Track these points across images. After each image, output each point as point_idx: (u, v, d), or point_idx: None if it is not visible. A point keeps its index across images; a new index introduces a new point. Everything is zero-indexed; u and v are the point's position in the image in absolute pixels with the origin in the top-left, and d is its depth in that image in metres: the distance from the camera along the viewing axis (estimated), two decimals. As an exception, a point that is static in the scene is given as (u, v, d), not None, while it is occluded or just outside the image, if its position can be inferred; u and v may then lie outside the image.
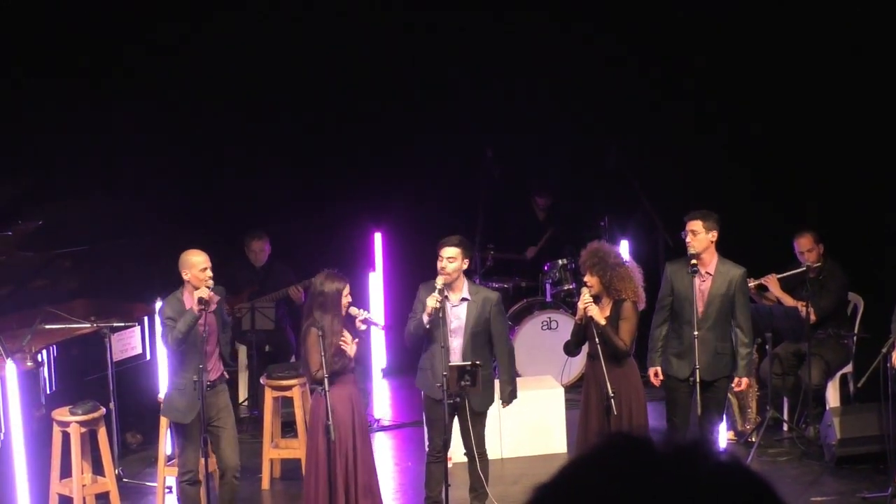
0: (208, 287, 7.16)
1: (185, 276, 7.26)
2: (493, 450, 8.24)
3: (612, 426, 7.16)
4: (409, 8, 11.36)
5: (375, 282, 11.03)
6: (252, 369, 9.92)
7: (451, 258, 7.28)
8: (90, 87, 10.27)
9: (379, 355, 11.12)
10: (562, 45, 11.20)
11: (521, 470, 8.68)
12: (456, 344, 7.39)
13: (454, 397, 7.17)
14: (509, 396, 7.57)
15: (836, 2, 10.81)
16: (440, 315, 7.22)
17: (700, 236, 7.61)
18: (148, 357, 9.04)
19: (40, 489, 7.82)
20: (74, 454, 7.73)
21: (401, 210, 11.35)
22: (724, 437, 8.58)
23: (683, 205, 8.05)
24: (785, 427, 9.21)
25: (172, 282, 7.51)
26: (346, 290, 7.16)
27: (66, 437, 7.77)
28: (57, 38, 10.31)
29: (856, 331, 9.29)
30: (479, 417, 7.49)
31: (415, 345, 7.58)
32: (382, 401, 10.71)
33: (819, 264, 9.11)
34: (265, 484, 8.59)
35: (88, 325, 8.62)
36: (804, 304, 8.83)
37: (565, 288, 10.78)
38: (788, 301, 9.07)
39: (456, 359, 7.32)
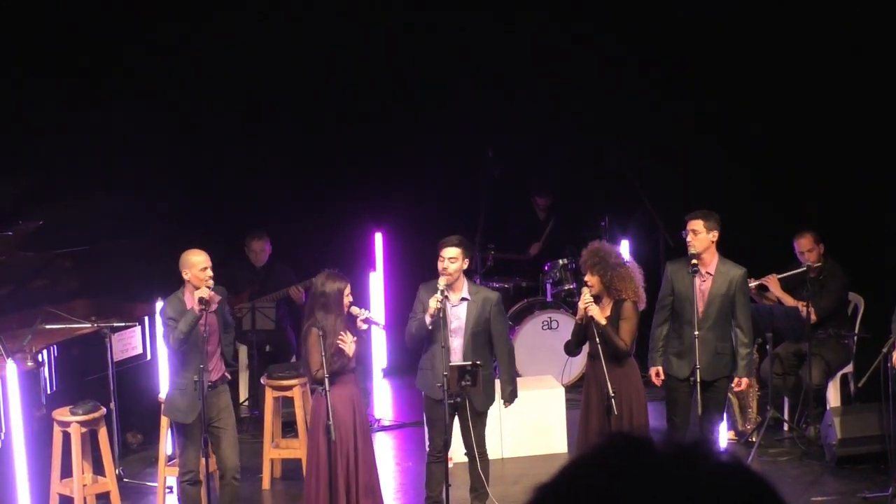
0: (208, 287, 7.16)
1: (186, 275, 7.26)
2: (494, 450, 8.25)
3: (612, 426, 7.15)
4: (409, 8, 11.36)
5: (376, 282, 11.03)
6: (252, 369, 9.91)
7: (453, 258, 7.28)
8: (90, 87, 10.27)
9: (379, 355, 11.13)
10: (562, 45, 11.19)
11: (522, 470, 8.68)
12: (456, 344, 7.39)
13: (455, 397, 7.17)
14: (510, 396, 7.57)
15: (836, 2, 10.81)
16: (441, 315, 7.22)
17: (701, 236, 7.61)
18: (148, 357, 9.04)
19: (41, 489, 7.82)
20: (75, 454, 7.73)
21: (401, 210, 11.35)
22: (724, 436, 8.58)
23: (684, 205, 8.05)
24: (785, 427, 9.21)
25: (173, 282, 7.51)
26: (348, 290, 7.16)
27: (66, 437, 7.77)
28: (57, 38, 10.31)
29: (856, 331, 9.29)
30: (480, 417, 7.49)
31: (415, 345, 7.58)
32: (383, 401, 10.71)
33: (819, 264, 9.11)
34: (266, 484, 8.59)
35: (89, 325, 8.61)
36: (804, 304, 8.83)
37: (566, 288, 10.79)
38: (789, 301, 9.07)
39: (456, 359, 7.32)
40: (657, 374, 7.72)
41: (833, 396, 9.19)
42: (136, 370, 9.10)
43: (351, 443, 7.12)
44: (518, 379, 7.98)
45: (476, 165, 11.06)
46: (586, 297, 7.38)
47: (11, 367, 7.54)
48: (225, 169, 11.19)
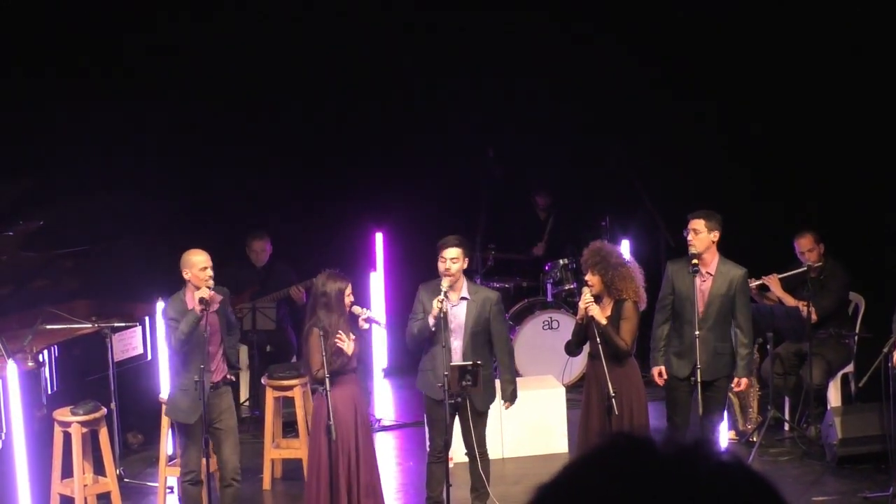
0: (209, 287, 7.15)
1: (186, 275, 7.27)
2: (495, 450, 8.25)
3: (613, 426, 7.15)
4: (409, 8, 11.36)
5: (376, 282, 11.03)
6: (253, 369, 9.91)
7: (454, 259, 7.28)
8: (90, 87, 10.26)
9: (380, 355, 11.13)
10: (562, 45, 11.20)
11: (523, 470, 8.68)
12: (456, 344, 7.39)
13: (455, 397, 7.17)
14: (511, 396, 7.57)
15: (836, 2, 10.81)
16: (441, 316, 7.22)
17: (702, 235, 7.61)
18: (149, 357, 9.04)
19: (41, 489, 7.81)
20: (76, 454, 7.72)
21: (402, 210, 11.35)
22: (725, 436, 8.59)
23: (684, 205, 8.06)
24: (786, 427, 9.21)
25: (173, 282, 7.51)
26: (349, 290, 7.16)
27: (67, 438, 7.76)
28: (57, 37, 10.31)
29: (857, 330, 9.29)
30: (480, 417, 7.49)
31: (416, 346, 7.57)
32: (384, 401, 10.71)
33: (820, 264, 9.12)
34: (266, 484, 8.59)
35: (89, 326, 8.61)
36: (805, 303, 8.83)
37: (566, 288, 10.79)
38: (790, 301, 9.06)
39: (456, 358, 7.32)
40: (659, 374, 7.71)
41: (834, 396, 9.19)
42: (137, 370, 9.10)
43: (352, 443, 7.12)
44: (518, 379, 7.98)
45: (476, 165, 11.06)
46: (587, 296, 7.38)
47: (12, 368, 7.54)
48: (225, 169, 11.18)
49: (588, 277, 7.45)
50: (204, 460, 7.29)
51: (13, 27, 10.18)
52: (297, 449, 8.59)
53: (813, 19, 10.75)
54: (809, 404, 9.02)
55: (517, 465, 8.83)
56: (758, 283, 8.95)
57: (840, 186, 10.81)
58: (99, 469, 8.02)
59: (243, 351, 10.20)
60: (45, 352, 8.12)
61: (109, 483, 7.99)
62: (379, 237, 11.31)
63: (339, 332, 7.05)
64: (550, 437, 9.06)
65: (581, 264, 7.75)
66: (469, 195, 11.08)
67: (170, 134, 10.75)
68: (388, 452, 9.30)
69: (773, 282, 9.12)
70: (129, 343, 8.83)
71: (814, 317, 8.82)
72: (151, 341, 9.00)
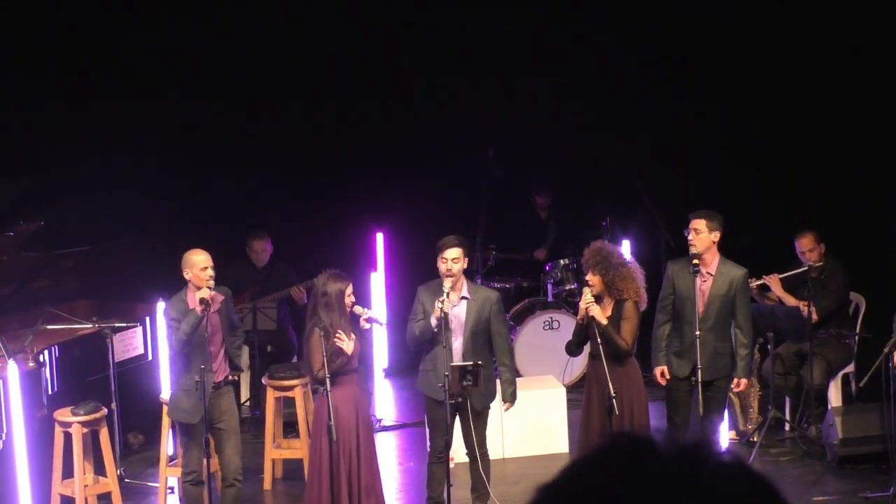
0: (209, 287, 7.15)
1: (187, 275, 7.27)
2: (495, 450, 8.26)
3: (613, 426, 7.15)
4: (409, 8, 11.36)
5: (377, 282, 11.03)
6: (254, 369, 9.91)
7: (456, 259, 7.28)
8: (90, 87, 10.26)
9: (381, 356, 11.12)
10: (562, 45, 11.20)
11: (523, 470, 8.68)
12: (456, 343, 7.40)
13: (456, 398, 7.17)
14: (511, 397, 7.57)
15: (836, 2, 10.82)
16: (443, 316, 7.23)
17: (702, 235, 7.61)
18: (150, 357, 9.04)
19: (42, 490, 7.81)
20: (76, 455, 7.72)
21: (402, 210, 11.35)
22: (725, 436, 8.59)
23: (685, 205, 8.06)
24: (787, 427, 9.21)
25: (174, 282, 7.51)
26: (349, 290, 7.16)
27: (67, 438, 7.76)
28: (57, 37, 10.31)
29: (857, 330, 9.29)
30: (481, 417, 7.50)
31: (418, 347, 7.57)
32: (384, 401, 10.70)
33: (820, 264, 9.11)
34: (267, 484, 8.59)
35: (90, 326, 8.61)
36: (806, 303, 8.83)
37: (567, 288, 10.79)
38: (790, 301, 9.06)
39: (457, 358, 7.32)
40: (662, 374, 7.71)
41: (834, 396, 9.19)
42: (138, 370, 9.10)
43: (353, 443, 7.12)
44: (519, 379, 7.98)
45: (477, 165, 11.07)
46: (587, 296, 7.38)
47: (13, 368, 7.54)
48: (225, 169, 11.18)
49: (589, 277, 7.45)
50: (205, 460, 7.29)
51: (13, 27, 10.17)
52: (298, 449, 8.59)
53: (813, 19, 10.75)
54: (810, 404, 9.02)
55: (518, 465, 8.83)
56: (758, 282, 8.95)
57: (840, 186, 10.81)
58: (99, 469, 8.02)
59: (244, 351, 10.20)
60: (46, 352, 8.12)
61: (110, 483, 7.99)
62: (380, 237, 11.31)
63: (339, 331, 7.05)
64: (551, 438, 9.07)
65: (582, 264, 7.74)
66: (469, 195, 11.08)
67: (170, 134, 10.75)
68: (388, 453, 9.30)
69: (773, 282, 9.12)
70: (129, 343, 8.83)
71: (814, 317, 8.82)
72: (152, 341, 9.00)
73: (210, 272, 7.21)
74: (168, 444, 8.23)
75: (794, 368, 9.22)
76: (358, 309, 7.21)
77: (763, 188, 11.10)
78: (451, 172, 11.41)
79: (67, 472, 7.83)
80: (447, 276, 7.26)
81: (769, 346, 9.03)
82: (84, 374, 8.53)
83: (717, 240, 7.64)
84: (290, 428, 9.04)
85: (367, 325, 7.31)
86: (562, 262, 10.82)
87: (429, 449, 7.67)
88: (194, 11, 10.79)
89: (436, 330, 7.23)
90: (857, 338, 9.23)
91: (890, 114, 10.49)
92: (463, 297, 7.40)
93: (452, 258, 7.27)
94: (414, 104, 11.51)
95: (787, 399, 9.34)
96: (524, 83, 11.43)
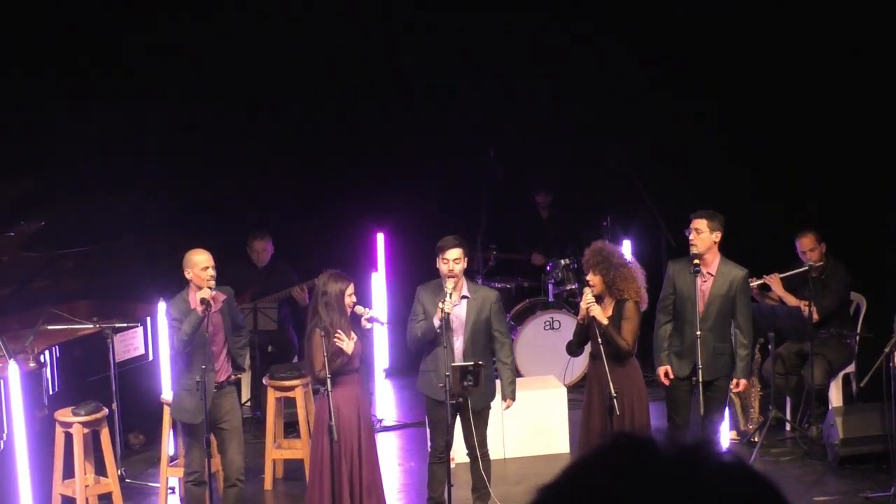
0: (210, 287, 7.15)
1: (188, 275, 7.27)
2: (496, 450, 8.25)
3: (614, 426, 7.15)
4: (409, 8, 11.36)
5: (378, 282, 11.03)
6: (255, 370, 9.90)
7: (457, 259, 7.29)
8: (90, 87, 10.26)
9: (381, 356, 11.12)
10: (562, 45, 11.20)
11: (524, 470, 8.68)
12: (457, 343, 7.41)
13: (457, 398, 7.17)
14: (512, 393, 7.57)
15: (836, 2, 10.82)
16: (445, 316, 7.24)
17: (703, 235, 7.61)
18: (150, 357, 9.04)
19: (43, 490, 7.81)
20: (77, 455, 7.72)
21: (403, 210, 11.35)
22: (726, 436, 8.59)
23: (685, 205, 8.06)
24: (788, 427, 9.21)
25: (175, 282, 7.51)
26: (350, 290, 7.16)
27: (68, 438, 7.76)
28: (57, 37, 10.30)
29: (858, 330, 9.29)
30: (482, 417, 7.50)
31: (418, 348, 7.57)
32: (385, 401, 10.70)
33: (821, 264, 9.11)
34: (268, 484, 8.59)
35: (91, 326, 8.61)
36: (806, 303, 8.83)
37: (568, 288, 10.79)
38: (791, 300, 9.06)
39: (458, 358, 7.32)
40: (665, 374, 7.71)
41: (835, 396, 9.19)
42: (138, 371, 9.09)
43: (355, 443, 7.12)
44: (520, 379, 7.98)
45: (477, 165, 11.07)
46: (588, 296, 7.38)
47: (13, 368, 7.53)
48: (226, 169, 11.18)
49: (589, 277, 7.45)
50: (206, 460, 7.28)
51: (13, 27, 10.17)
52: (299, 449, 8.59)
53: (813, 19, 10.75)
54: (811, 404, 9.02)
55: (518, 465, 8.83)
56: (759, 282, 8.95)
57: (840, 186, 10.81)
58: (100, 469, 8.02)
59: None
60: (47, 352, 8.12)
61: (111, 483, 7.99)
62: (381, 237, 11.30)
63: (339, 331, 7.04)
64: (552, 438, 9.06)
65: (582, 264, 7.74)
66: (470, 195, 11.08)
67: (170, 134, 10.75)
68: (389, 453, 9.30)
69: (774, 281, 9.11)
70: (130, 343, 8.83)
71: (815, 316, 8.82)
72: (153, 341, 9.00)
73: (211, 272, 7.21)
74: (169, 444, 8.23)
75: (794, 368, 9.22)
76: (359, 309, 7.20)
77: (763, 188, 11.11)
78: (452, 172, 11.41)
79: (68, 473, 7.83)
80: (449, 277, 7.26)
81: (770, 346, 9.03)
82: (85, 375, 8.53)
83: (718, 240, 7.64)
84: (290, 428, 9.03)
85: (369, 325, 7.31)
86: (562, 262, 10.81)
87: (429, 449, 7.67)
88: (194, 11, 10.78)
89: (438, 331, 7.23)
90: (857, 338, 9.23)
91: (890, 114, 10.49)
92: (463, 297, 7.41)
93: (454, 259, 7.27)
94: (414, 104, 11.50)
95: (788, 399, 9.34)
96: (524, 83, 11.43)
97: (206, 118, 10.84)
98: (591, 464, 1.35)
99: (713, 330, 7.64)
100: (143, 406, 9.26)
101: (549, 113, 11.29)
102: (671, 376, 7.70)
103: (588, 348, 7.65)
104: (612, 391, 7.12)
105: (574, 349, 7.80)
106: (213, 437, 7.40)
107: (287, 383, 8.62)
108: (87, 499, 7.81)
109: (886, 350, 7.74)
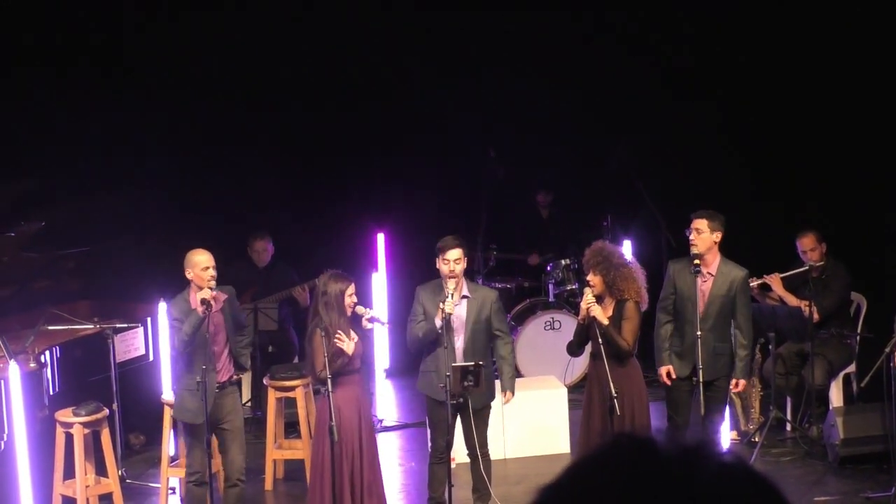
0: (210, 287, 7.15)
1: (189, 275, 7.26)
2: (497, 450, 8.25)
3: (614, 426, 7.14)
4: (409, 8, 11.36)
5: (378, 282, 11.03)
6: (255, 370, 9.89)
7: (458, 259, 7.29)
8: (92, 88, 10.26)
9: (382, 356, 11.12)
10: (562, 45, 11.21)
11: (525, 470, 8.68)
12: (458, 342, 7.41)
13: (457, 398, 7.18)
14: (511, 388, 7.57)
15: (836, 2, 10.82)
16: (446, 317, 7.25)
17: (704, 235, 7.61)
18: (151, 358, 9.04)
19: (43, 490, 7.81)
20: (78, 455, 7.72)
21: (403, 210, 11.35)
22: (727, 437, 8.59)
23: (685, 205, 8.06)
24: (788, 427, 9.21)
25: (175, 282, 7.51)
26: (351, 290, 7.15)
27: (69, 439, 7.76)
28: (57, 37, 10.30)
29: (859, 330, 9.28)
30: (482, 417, 7.50)
31: (419, 349, 7.57)
32: (386, 401, 10.70)
33: (822, 263, 9.11)
34: (268, 485, 8.59)
35: (91, 326, 8.61)
36: (807, 303, 8.83)
37: (568, 288, 10.78)
38: (791, 300, 9.06)
39: (458, 357, 7.33)
40: (668, 374, 7.70)
41: (836, 396, 9.19)
42: (139, 371, 9.09)
43: (356, 443, 7.12)
44: (520, 379, 7.98)
45: (477, 165, 11.07)
46: (588, 297, 7.38)
47: (14, 369, 7.53)
48: (226, 169, 11.18)
49: (590, 278, 7.45)
50: (207, 460, 7.28)
51: (13, 27, 10.17)
52: (299, 450, 8.58)
53: (813, 19, 10.75)
54: (811, 404, 9.02)
55: (519, 465, 8.83)
56: (759, 282, 8.95)
57: (840, 186, 10.82)
58: (101, 470, 8.02)
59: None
60: (47, 353, 8.12)
61: (111, 484, 7.98)
62: (381, 238, 11.30)
63: (339, 332, 7.04)
64: (552, 438, 9.06)
65: (583, 264, 7.74)
66: (470, 195, 11.08)
67: (170, 134, 10.74)
68: (389, 453, 9.30)
69: (774, 281, 9.11)
70: (130, 344, 8.83)
71: (816, 317, 8.82)
72: (153, 342, 9.00)
73: (212, 272, 7.21)
74: (169, 444, 8.23)
75: (795, 368, 9.22)
76: (360, 309, 7.20)
77: (763, 188, 11.11)
78: (452, 172, 11.41)
79: (69, 473, 7.83)
80: (450, 278, 7.26)
81: (770, 347, 9.02)
82: (85, 375, 8.53)
83: (718, 240, 7.64)
84: (291, 428, 9.03)
85: (370, 325, 7.31)
86: (563, 262, 10.81)
87: (430, 449, 7.67)
88: (194, 11, 10.79)
89: (440, 331, 7.23)
90: (858, 338, 9.23)
91: (890, 114, 10.50)
92: (464, 297, 7.41)
93: (454, 259, 7.28)
94: (414, 104, 11.50)
95: (789, 399, 9.34)
96: (524, 83, 11.42)
97: (206, 118, 10.84)
98: (591, 464, 1.35)
99: (713, 330, 7.64)
100: (143, 406, 9.26)
101: (549, 113, 11.29)
102: (673, 376, 7.69)
103: (588, 348, 7.64)
104: (613, 391, 7.11)
105: (574, 349, 7.80)
106: (214, 437, 7.40)
107: (287, 383, 8.62)
108: (87, 499, 7.81)
109: (887, 350, 7.74)
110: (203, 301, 7.05)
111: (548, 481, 1.35)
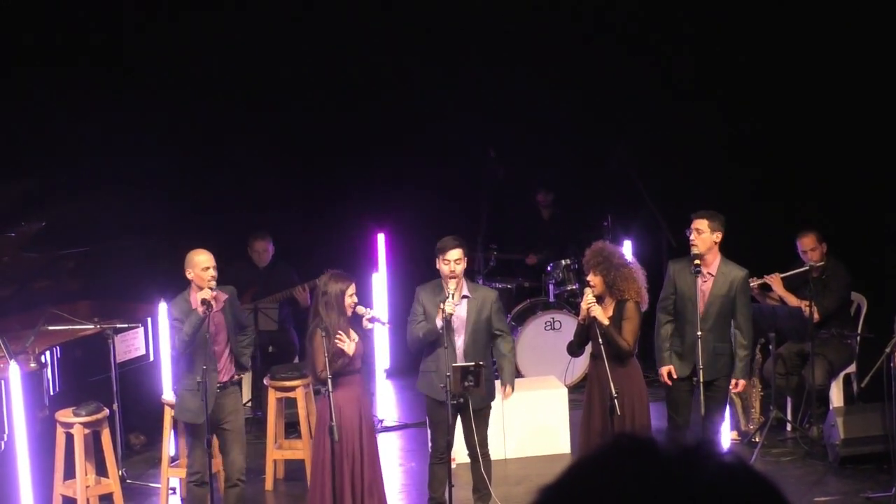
0: (211, 287, 7.15)
1: (189, 275, 7.27)
2: (497, 450, 8.25)
3: (615, 426, 7.15)
4: (409, 8, 11.36)
5: (379, 282, 11.03)
6: (255, 370, 9.89)
7: (458, 260, 7.30)
8: (92, 88, 10.26)
9: (383, 356, 11.12)
10: (562, 45, 11.21)
11: (525, 470, 8.68)
12: (459, 342, 7.41)
13: (457, 398, 7.18)
14: (511, 383, 7.57)
15: (836, 2, 10.82)
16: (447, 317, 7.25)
17: (704, 235, 7.61)
18: (151, 358, 9.04)
19: (44, 491, 7.81)
20: (78, 455, 7.72)
21: (404, 210, 11.34)
22: (727, 437, 8.59)
23: (685, 205, 8.06)
24: (788, 427, 9.21)
25: (176, 282, 7.51)
26: (351, 290, 7.15)
27: (69, 439, 7.76)
28: (57, 37, 10.31)
29: (859, 330, 9.28)
30: (482, 417, 7.50)
31: (419, 349, 7.57)
32: (386, 401, 10.71)
33: (822, 264, 9.11)
34: (268, 485, 8.59)
35: (92, 326, 8.61)
36: (807, 303, 8.83)
37: (568, 288, 10.78)
38: (792, 300, 9.06)
39: (459, 357, 7.33)
40: (669, 375, 7.70)
41: (836, 396, 9.19)
42: (139, 371, 9.09)
43: (357, 443, 7.12)
44: (521, 380, 7.98)
45: (477, 165, 11.06)
46: (589, 297, 7.38)
47: (14, 369, 7.53)
48: (227, 169, 11.18)
49: (590, 278, 7.45)
50: (208, 460, 7.28)
51: (13, 27, 10.17)
52: (300, 450, 8.58)
53: (813, 19, 10.75)
54: (812, 404, 9.02)
55: (519, 465, 8.83)
56: (759, 282, 8.95)
57: (840, 186, 10.81)
58: (101, 470, 8.02)
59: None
60: (48, 353, 8.12)
61: (112, 484, 7.99)
62: (381, 238, 11.30)
63: (339, 332, 7.04)
64: (553, 438, 9.06)
65: (583, 265, 7.74)
66: (471, 195, 11.08)
67: (170, 133, 10.74)
68: (390, 453, 9.29)
69: (775, 281, 9.11)
70: (131, 344, 8.83)
71: (816, 317, 8.82)
72: (154, 342, 9.00)
73: (212, 272, 7.21)
74: (170, 444, 8.23)
75: (795, 368, 9.22)
76: (360, 309, 7.20)
77: (763, 188, 11.10)
78: (452, 172, 11.41)
79: (69, 473, 7.83)
80: (450, 278, 7.26)
81: (771, 347, 9.02)
82: (85, 375, 8.53)
83: (718, 240, 7.64)
84: (291, 428, 9.03)
85: (371, 325, 7.30)
86: (563, 262, 10.81)
87: (430, 449, 7.67)
88: (194, 11, 10.79)
89: (441, 331, 7.23)
90: (858, 338, 9.23)
91: (890, 114, 10.50)
92: (464, 297, 7.42)
93: (455, 259, 7.28)
94: (414, 104, 11.50)
95: (789, 399, 9.33)
96: (524, 83, 11.43)
97: (206, 118, 10.84)
98: (591, 464, 1.35)
99: (713, 330, 7.64)
100: (143, 406, 9.26)
101: (549, 113, 11.29)
102: (675, 376, 7.69)
103: (589, 349, 7.64)
104: (613, 391, 7.11)
105: (575, 349, 7.80)
106: (214, 438, 7.40)
107: (288, 384, 8.62)
108: (87, 499, 7.81)
109: (887, 350, 7.74)
110: (203, 301, 7.06)
111: (548, 481, 1.35)
